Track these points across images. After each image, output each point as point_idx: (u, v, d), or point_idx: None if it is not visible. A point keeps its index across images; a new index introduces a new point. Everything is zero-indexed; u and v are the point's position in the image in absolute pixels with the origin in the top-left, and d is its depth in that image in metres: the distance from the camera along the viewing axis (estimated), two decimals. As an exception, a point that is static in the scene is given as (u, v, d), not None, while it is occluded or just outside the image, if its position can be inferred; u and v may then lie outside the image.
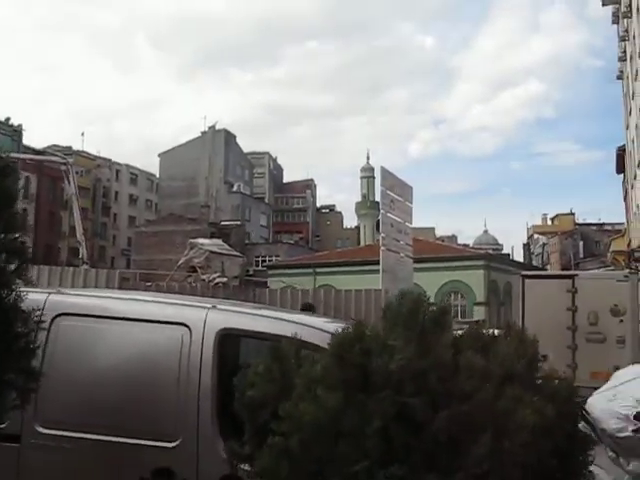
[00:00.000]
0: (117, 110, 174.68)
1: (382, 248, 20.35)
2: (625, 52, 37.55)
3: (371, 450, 2.04)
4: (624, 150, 42.45)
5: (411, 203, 22.87)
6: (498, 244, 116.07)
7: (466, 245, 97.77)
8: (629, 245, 31.77)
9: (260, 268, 68.10)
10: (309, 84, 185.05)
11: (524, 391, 2.24)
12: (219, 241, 41.68)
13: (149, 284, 24.23)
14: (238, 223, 77.18)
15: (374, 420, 2.10)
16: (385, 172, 20.64)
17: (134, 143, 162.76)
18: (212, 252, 37.63)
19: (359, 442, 2.09)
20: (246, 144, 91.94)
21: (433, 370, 2.16)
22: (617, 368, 14.40)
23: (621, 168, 46.64)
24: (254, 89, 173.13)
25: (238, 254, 41.99)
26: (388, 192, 20.79)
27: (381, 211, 20.36)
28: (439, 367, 2.18)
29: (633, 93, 34.45)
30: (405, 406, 2.10)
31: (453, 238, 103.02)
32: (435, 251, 53.70)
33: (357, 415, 2.15)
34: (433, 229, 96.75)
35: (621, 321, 14.37)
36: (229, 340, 4.31)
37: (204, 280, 32.49)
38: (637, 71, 31.66)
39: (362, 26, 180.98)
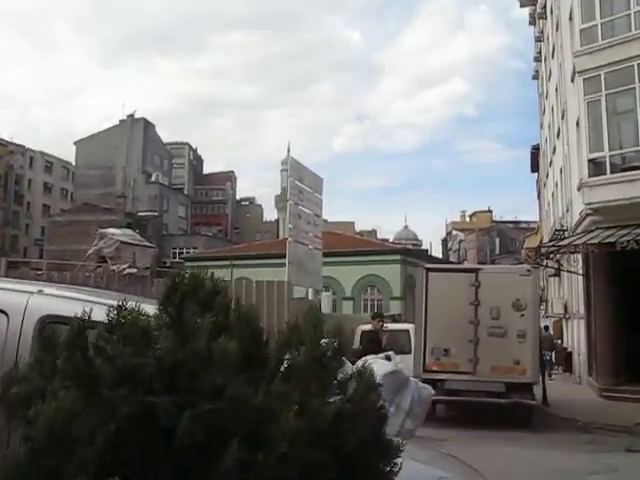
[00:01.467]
0: (34, 95, 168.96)
1: (289, 239, 20.01)
2: (540, 53, 38.11)
3: (91, 462, 1.60)
4: (538, 149, 43.19)
5: (321, 195, 22.61)
6: (417, 240, 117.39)
7: (385, 240, 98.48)
8: (541, 242, 32.27)
9: (177, 260, 67.05)
10: (233, 75, 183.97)
11: (307, 386, 1.83)
12: (130, 231, 40.76)
13: (40, 273, 23.27)
14: (155, 214, 75.65)
15: (110, 424, 1.66)
16: (295, 163, 20.30)
17: (51, 130, 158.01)
18: (122, 242, 36.74)
19: (86, 452, 1.64)
20: (167, 134, 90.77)
21: (189, 361, 1.73)
22: (517, 362, 14.47)
23: (535, 167, 47.50)
24: (177, 78, 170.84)
25: (150, 245, 41.13)
26: (297, 183, 20.46)
27: (289, 202, 20.03)
28: (194, 357, 1.74)
29: (547, 93, 34.97)
30: (152, 406, 1.67)
31: (372, 233, 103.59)
32: (353, 245, 53.75)
33: (96, 417, 1.70)
34: (353, 223, 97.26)
35: (522, 315, 14.31)
36: (53, 328, 3.80)
37: (113, 271, 31.64)
38: (550, 71, 32.12)
39: (288, 19, 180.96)
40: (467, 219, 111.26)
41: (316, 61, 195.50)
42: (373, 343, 13.76)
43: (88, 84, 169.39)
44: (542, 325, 31.96)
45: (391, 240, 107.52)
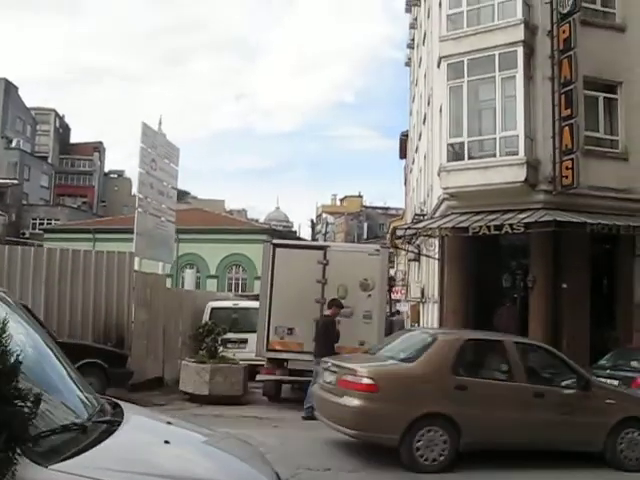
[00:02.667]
0: None
1: (138, 210, 19.01)
2: (413, 40, 38.31)
3: None
4: (407, 136, 43.59)
5: (177, 166, 21.68)
6: (289, 221, 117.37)
7: (255, 220, 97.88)
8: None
9: (37, 231, 63.97)
10: (112, 45, 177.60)
11: None
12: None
13: None
14: (15, 182, 71.81)
15: None
16: (147, 129, 19.24)
17: None
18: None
19: None
20: (35, 99, 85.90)
21: None
22: (362, 343, 14.16)
23: (404, 154, 48.01)
24: (51, 40, 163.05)
25: (-1, 212, 38.72)
26: (149, 151, 19.46)
27: (139, 170, 18.97)
28: None
29: (417, 80, 35.17)
30: None
31: (243, 212, 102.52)
32: (219, 223, 52.95)
33: None
34: (223, 202, 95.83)
35: (369, 296, 14.06)
36: None
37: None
38: (421, 58, 32.24)
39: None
40: (338, 203, 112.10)
41: (196, 37, 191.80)
42: (330, 332, 13.16)
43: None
44: (395, 309, 32.22)
45: (262, 221, 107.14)
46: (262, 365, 14.92)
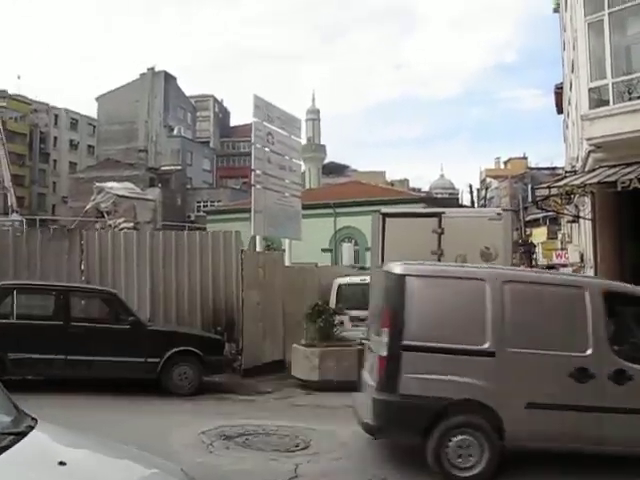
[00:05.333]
0: (58, 53, 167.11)
1: (257, 186, 18.25)
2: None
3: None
4: (562, 88, 40.44)
5: (299, 138, 20.77)
6: (454, 189, 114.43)
7: (418, 190, 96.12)
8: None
9: (201, 214, 65.89)
10: (265, 25, 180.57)
11: None
12: (130, 184, 39.27)
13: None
14: (179, 168, 74.45)
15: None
16: (260, 101, 18.36)
17: (78, 87, 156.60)
18: (119, 196, 35.31)
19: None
20: (194, 87, 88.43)
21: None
22: (486, 320, 12.61)
23: (560, 108, 44.70)
24: (208, 29, 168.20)
25: (149, 197, 39.67)
26: (265, 124, 18.61)
27: (254, 145, 18.16)
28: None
29: (565, 25, 32.32)
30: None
31: (404, 182, 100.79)
32: (376, 195, 51.89)
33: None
34: (383, 173, 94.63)
35: (492, 266, 12.39)
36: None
37: (110, 226, 30.32)
38: (566, 1, 29.47)
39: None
40: (502, 166, 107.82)
41: (351, 10, 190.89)
42: None
43: (116, 38, 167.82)
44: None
45: (426, 189, 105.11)
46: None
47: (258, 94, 18.16)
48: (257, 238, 18.72)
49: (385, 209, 13.47)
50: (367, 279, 19.04)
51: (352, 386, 12.92)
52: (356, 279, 18.79)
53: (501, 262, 12.37)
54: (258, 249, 18.23)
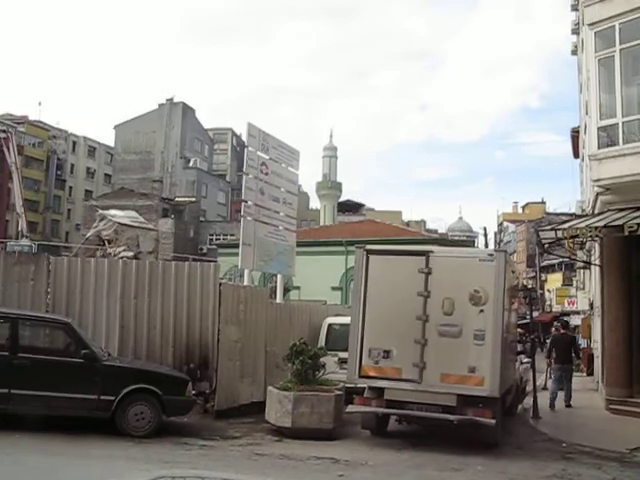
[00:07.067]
0: (81, 80, 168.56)
1: (246, 217, 17.46)
2: (578, 25, 34.65)
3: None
4: (578, 132, 39.60)
5: (297, 170, 20.01)
6: (472, 232, 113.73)
7: (435, 231, 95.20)
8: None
9: (213, 247, 65.29)
10: (294, 64, 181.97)
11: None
12: (133, 213, 38.60)
13: None
14: (193, 199, 74.04)
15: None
16: (254, 130, 17.60)
17: (99, 116, 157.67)
18: (121, 224, 34.62)
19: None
20: (212, 119, 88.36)
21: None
22: (473, 370, 11.61)
23: (577, 152, 43.88)
24: (239, 67, 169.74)
25: (151, 227, 38.99)
26: (259, 154, 17.85)
27: (245, 175, 17.38)
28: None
29: (580, 66, 31.59)
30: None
31: (421, 223, 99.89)
32: (389, 234, 51.05)
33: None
34: (400, 213, 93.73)
35: (481, 311, 11.45)
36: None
37: (109, 254, 29.57)
38: (582, 41, 28.74)
39: (352, 7, 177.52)
40: (520, 211, 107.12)
41: (379, 50, 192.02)
42: None
43: (143, 69, 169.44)
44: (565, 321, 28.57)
45: (442, 231, 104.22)
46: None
47: (254, 123, 17.36)
48: (245, 272, 17.88)
49: (370, 245, 12.52)
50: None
51: (327, 435, 12.03)
52: (347, 319, 17.86)
53: (490, 306, 11.46)
54: (246, 283, 17.38)
